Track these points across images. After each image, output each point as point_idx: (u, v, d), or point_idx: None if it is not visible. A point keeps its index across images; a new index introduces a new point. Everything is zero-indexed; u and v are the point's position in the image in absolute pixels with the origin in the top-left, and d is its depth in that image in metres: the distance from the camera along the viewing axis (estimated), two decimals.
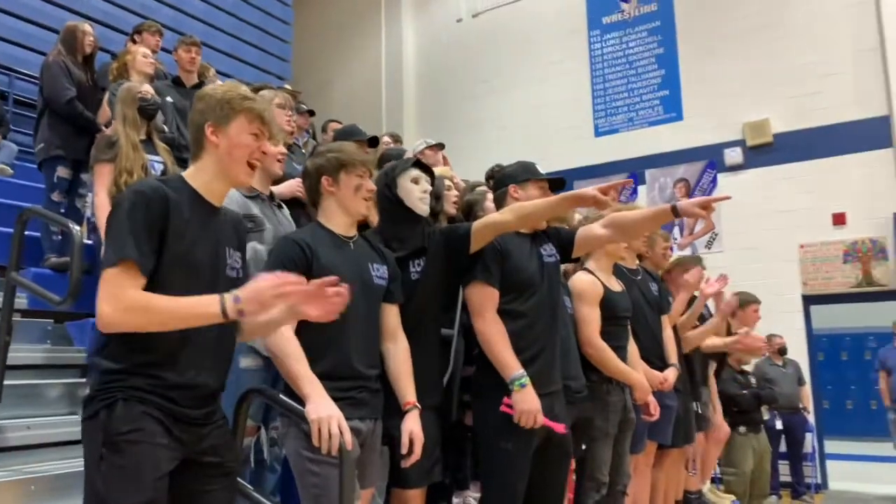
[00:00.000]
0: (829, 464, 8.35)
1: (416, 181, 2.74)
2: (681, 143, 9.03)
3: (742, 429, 6.47)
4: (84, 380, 3.64)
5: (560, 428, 2.70)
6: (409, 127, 10.84)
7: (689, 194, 8.94)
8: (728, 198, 2.87)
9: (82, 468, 1.79)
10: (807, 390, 7.95)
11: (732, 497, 5.72)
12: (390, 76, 11.55)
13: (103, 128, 4.73)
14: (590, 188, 2.51)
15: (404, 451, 2.39)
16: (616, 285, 3.70)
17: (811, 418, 7.96)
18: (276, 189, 3.18)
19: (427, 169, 2.84)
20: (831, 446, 8.78)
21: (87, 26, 5.20)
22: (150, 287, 1.70)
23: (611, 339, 3.49)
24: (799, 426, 7.74)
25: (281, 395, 2.28)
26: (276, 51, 10.38)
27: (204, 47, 5.75)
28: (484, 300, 2.73)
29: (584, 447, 3.43)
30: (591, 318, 3.42)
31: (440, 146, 5.47)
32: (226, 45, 9.38)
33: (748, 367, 7.03)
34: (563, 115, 9.86)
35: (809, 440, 7.92)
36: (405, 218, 2.73)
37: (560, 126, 9.80)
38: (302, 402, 2.16)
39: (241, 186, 2.31)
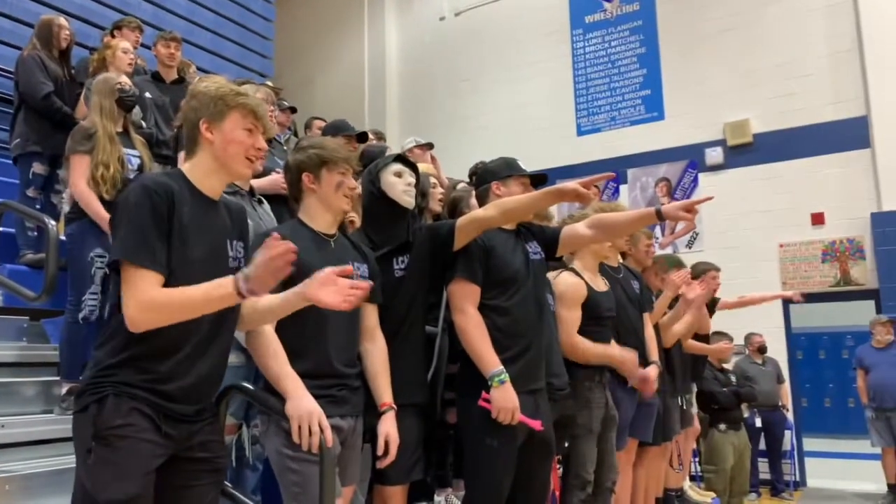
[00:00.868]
0: (808, 461, 8.44)
1: (398, 175, 2.74)
2: (662, 142, 9.08)
3: (722, 426, 6.53)
4: (59, 378, 3.58)
5: (537, 425, 2.69)
6: (391, 125, 10.82)
7: (671, 194, 8.99)
8: (710, 198, 2.92)
9: (58, 467, 1.77)
10: (786, 388, 8.02)
11: (713, 494, 5.76)
12: (373, 74, 11.52)
13: (81, 123, 4.67)
14: (571, 182, 2.51)
15: (380, 452, 2.39)
16: (601, 285, 3.70)
17: (790, 416, 8.05)
18: (256, 183, 3.16)
19: (410, 163, 2.83)
20: (810, 444, 8.88)
21: (62, 20, 5.12)
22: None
23: (594, 338, 3.50)
24: (778, 424, 7.81)
25: (261, 392, 2.26)
26: (257, 48, 10.30)
27: (185, 44, 5.70)
28: (465, 297, 2.72)
29: (566, 444, 3.43)
30: (568, 320, 3.43)
31: (429, 146, 5.48)
32: (207, 41, 9.29)
33: (728, 366, 7.10)
34: (546, 114, 9.90)
35: (788, 438, 8.00)
36: (390, 213, 2.73)
37: (542, 125, 9.83)
38: (282, 399, 2.14)
39: (239, 180, 2.29)
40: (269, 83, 6.78)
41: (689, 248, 8.65)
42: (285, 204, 3.19)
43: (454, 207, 3.58)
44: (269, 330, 2.16)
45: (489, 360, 2.65)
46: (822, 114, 8.13)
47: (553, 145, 9.55)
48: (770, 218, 8.26)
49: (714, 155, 8.74)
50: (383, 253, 2.68)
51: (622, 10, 9.66)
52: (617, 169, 9.27)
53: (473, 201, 3.40)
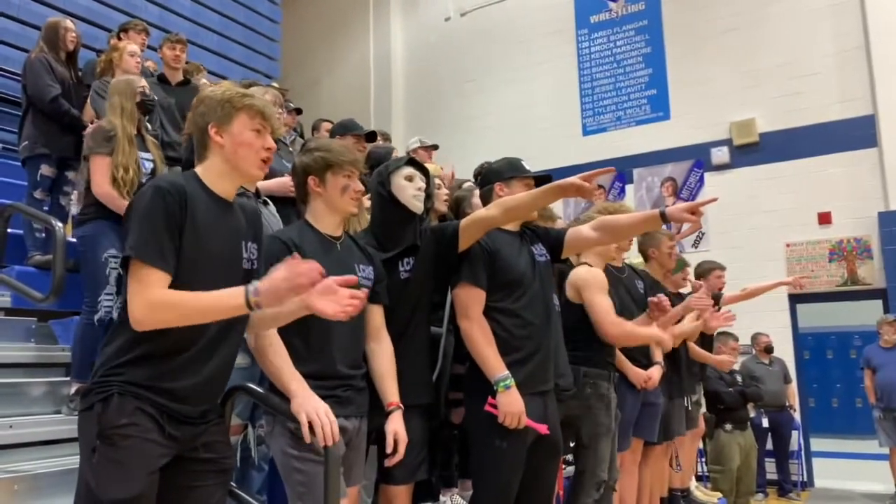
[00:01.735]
0: (815, 461, 8.42)
1: (409, 178, 2.73)
2: (668, 142, 9.07)
3: (728, 426, 6.52)
4: (68, 378, 3.61)
5: (543, 429, 2.69)
6: (397, 125, 10.83)
7: (677, 193, 8.98)
8: (714, 200, 2.91)
9: (66, 468, 1.79)
10: (793, 388, 8.01)
11: (719, 495, 5.75)
12: (379, 75, 11.54)
13: (89, 125, 4.69)
14: (572, 177, 2.51)
15: (389, 451, 2.40)
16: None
17: (797, 416, 8.02)
18: (263, 185, 3.18)
19: (421, 167, 2.83)
20: (817, 444, 8.85)
21: (68, 22, 5.14)
22: (172, 281, 1.75)
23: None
24: (785, 424, 7.79)
25: (266, 393, 2.27)
26: (264, 49, 10.33)
27: (191, 46, 5.73)
28: (470, 301, 2.73)
29: (572, 444, 3.44)
30: (602, 306, 3.41)
31: (434, 147, 5.50)
32: (213, 43, 9.33)
33: (735, 366, 7.08)
34: (551, 114, 9.89)
35: (795, 438, 7.99)
36: (399, 216, 2.72)
37: (548, 125, 9.83)
38: (287, 399, 2.15)
39: (251, 181, 2.31)
40: (275, 85, 6.80)
41: (696, 247, 8.63)
42: (293, 206, 3.20)
43: (457, 207, 3.59)
44: (272, 331, 2.18)
45: (494, 364, 2.65)
46: (828, 113, 8.11)
47: (558, 145, 9.55)
48: (776, 217, 8.24)
49: (720, 154, 8.72)
50: (388, 256, 2.68)
51: (627, 10, 9.65)
52: (622, 169, 9.29)
53: (476, 200, 3.40)
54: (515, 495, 2.74)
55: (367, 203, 3.07)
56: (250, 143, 1.93)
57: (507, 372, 2.64)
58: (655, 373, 3.94)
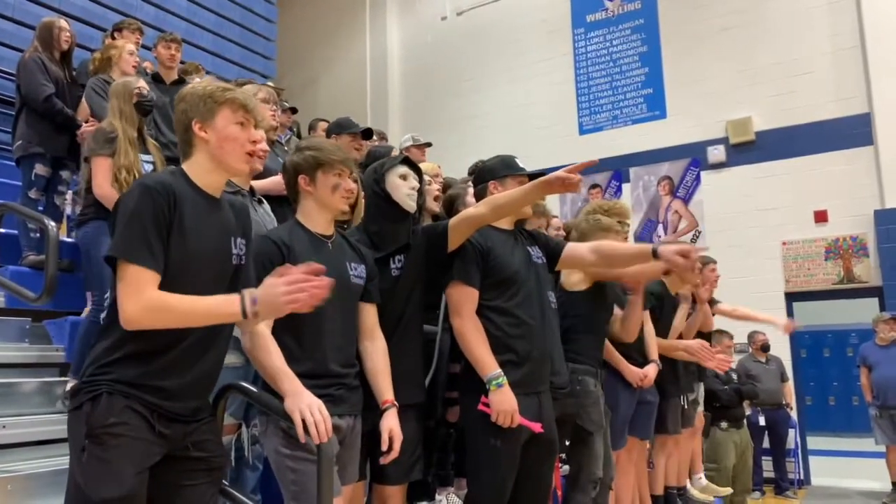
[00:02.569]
0: (812, 459, 8.43)
1: (404, 177, 2.73)
2: (664, 140, 9.08)
3: (724, 424, 6.52)
4: (62, 378, 3.60)
5: (537, 427, 2.69)
6: (393, 125, 10.83)
7: (673, 192, 8.99)
8: (706, 249, 3.07)
9: (60, 468, 1.78)
10: (789, 387, 8.02)
11: (729, 490, 5.71)
12: (375, 74, 11.54)
13: (83, 124, 4.68)
14: (557, 171, 2.50)
15: (384, 448, 2.39)
16: None
17: (794, 414, 8.03)
18: (258, 184, 3.16)
19: (416, 167, 2.83)
20: (814, 442, 8.86)
21: (63, 22, 5.14)
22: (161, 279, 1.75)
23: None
24: (782, 422, 7.80)
25: (260, 392, 2.26)
26: (260, 49, 10.32)
27: (187, 45, 5.71)
28: (462, 299, 2.72)
29: (567, 443, 3.43)
30: None
31: (427, 145, 5.50)
32: (209, 43, 9.32)
33: (731, 364, 7.08)
34: (548, 113, 9.90)
35: (792, 436, 7.99)
36: (393, 215, 2.72)
37: (544, 124, 9.84)
38: (281, 398, 2.14)
39: (238, 177, 2.31)
40: (270, 84, 6.79)
41: None
42: (288, 205, 3.19)
43: (451, 205, 3.58)
44: (265, 330, 2.17)
45: (487, 363, 2.64)
46: (824, 111, 8.12)
47: (555, 144, 9.54)
48: (773, 216, 8.25)
49: (716, 153, 8.73)
50: (383, 254, 2.68)
51: (623, 9, 9.66)
52: (619, 168, 9.30)
53: (469, 198, 3.40)
54: (511, 494, 2.73)
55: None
56: (235, 137, 1.92)
57: (499, 370, 2.64)
58: (651, 371, 3.94)
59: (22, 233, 4.59)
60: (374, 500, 2.68)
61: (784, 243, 8.25)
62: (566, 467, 3.74)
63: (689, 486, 5.31)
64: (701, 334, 5.09)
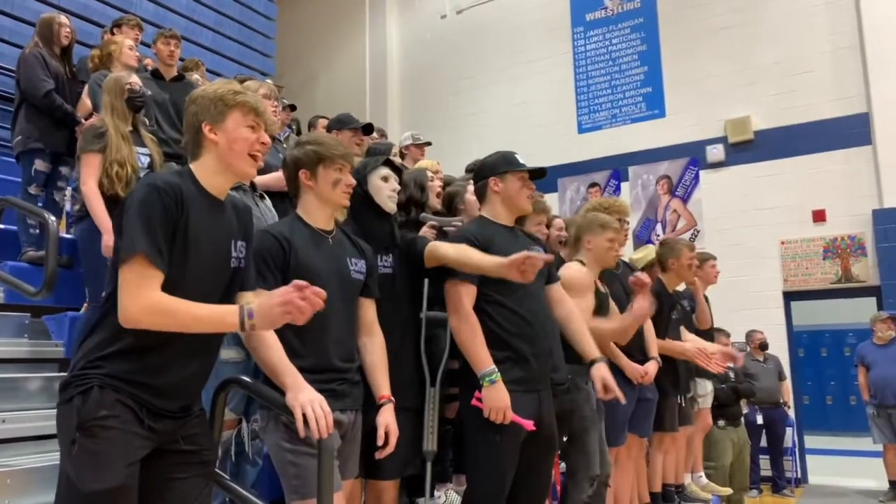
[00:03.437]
0: (809, 458, 8.45)
1: (385, 179, 2.75)
2: (663, 139, 9.09)
3: (721, 422, 6.53)
4: (61, 374, 3.60)
5: (528, 425, 2.69)
6: (392, 123, 10.83)
7: (672, 191, 9.01)
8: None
9: (58, 462, 1.78)
10: (787, 385, 8.03)
11: (729, 490, 5.72)
12: (374, 72, 11.53)
13: (83, 120, 4.68)
14: (515, 256, 2.43)
15: (380, 442, 2.40)
16: (600, 286, 3.71)
17: (791, 413, 8.05)
18: (259, 180, 3.17)
19: (397, 168, 2.84)
20: (811, 441, 8.88)
21: (63, 18, 5.14)
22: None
23: None
24: (779, 421, 7.82)
25: (261, 386, 2.26)
26: (259, 46, 10.31)
27: (186, 43, 5.71)
28: (460, 297, 2.72)
29: (565, 439, 3.44)
30: (580, 306, 3.41)
31: (427, 144, 5.50)
32: (208, 40, 9.31)
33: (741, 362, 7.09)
34: (547, 112, 9.90)
35: (789, 435, 8.01)
36: (374, 215, 2.74)
37: (544, 122, 9.84)
38: (282, 393, 2.14)
39: (244, 179, 2.31)
40: (270, 82, 6.79)
41: None
42: (290, 200, 3.20)
43: (450, 202, 3.59)
44: None
45: (481, 359, 2.65)
46: (823, 111, 8.13)
47: (554, 143, 9.56)
48: (771, 215, 8.27)
49: (715, 152, 8.74)
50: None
51: (623, 8, 9.66)
52: (618, 166, 9.31)
53: (468, 196, 3.40)
54: (510, 489, 2.74)
55: None
56: (245, 139, 1.93)
57: (493, 366, 2.64)
58: (651, 368, 3.94)
59: (21, 229, 4.59)
60: (367, 495, 2.69)
61: (782, 242, 8.27)
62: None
63: (687, 482, 5.31)
64: (700, 332, 5.10)
